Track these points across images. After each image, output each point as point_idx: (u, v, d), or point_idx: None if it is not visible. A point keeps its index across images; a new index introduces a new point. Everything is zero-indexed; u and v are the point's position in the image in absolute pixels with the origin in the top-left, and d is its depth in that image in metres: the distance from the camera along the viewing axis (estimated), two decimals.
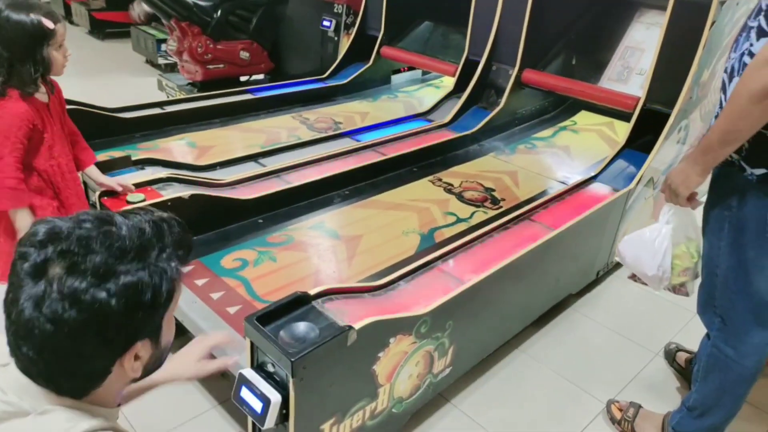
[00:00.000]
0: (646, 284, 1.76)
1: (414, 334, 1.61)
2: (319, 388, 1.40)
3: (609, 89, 2.99)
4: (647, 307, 2.55)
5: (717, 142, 1.34)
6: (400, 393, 1.69)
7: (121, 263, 0.75)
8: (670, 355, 2.22)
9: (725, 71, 1.39)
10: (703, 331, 1.77)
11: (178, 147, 2.82)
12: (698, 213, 1.64)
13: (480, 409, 1.96)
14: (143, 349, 0.82)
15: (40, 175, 1.76)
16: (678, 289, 1.68)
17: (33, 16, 1.62)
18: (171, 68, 5.16)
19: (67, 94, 1.93)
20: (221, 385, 1.92)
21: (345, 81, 3.80)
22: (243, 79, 4.57)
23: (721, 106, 1.42)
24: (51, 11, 1.68)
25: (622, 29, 3.33)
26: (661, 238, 1.62)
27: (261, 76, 4.69)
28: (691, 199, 1.52)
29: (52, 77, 1.79)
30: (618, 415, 1.92)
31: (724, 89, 1.40)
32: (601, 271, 2.63)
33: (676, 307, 2.53)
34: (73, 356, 0.76)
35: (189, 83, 4.49)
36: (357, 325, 1.41)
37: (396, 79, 4.11)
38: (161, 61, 5.29)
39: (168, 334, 0.87)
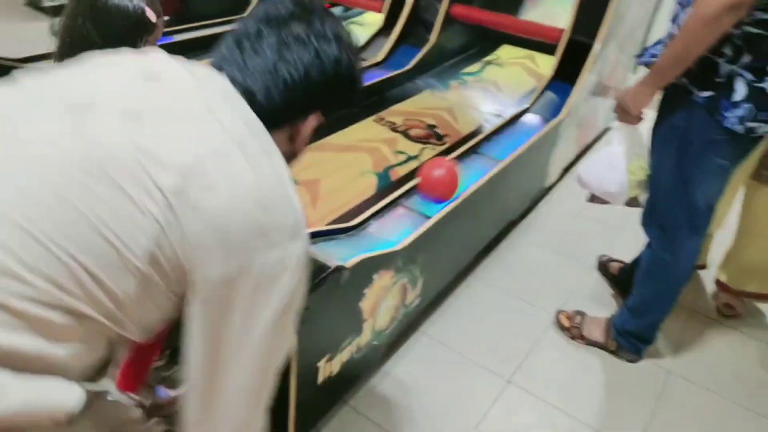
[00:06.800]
0: (606, 203, 1.91)
1: (394, 269, 1.68)
2: (316, 327, 1.45)
3: (537, 23, 3.11)
4: (577, 227, 2.78)
5: (669, 64, 1.47)
6: (380, 326, 1.77)
7: (342, 36, 0.94)
8: (603, 266, 2.46)
9: (677, 2, 1.52)
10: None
11: None
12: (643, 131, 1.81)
13: (445, 333, 2.10)
14: (310, 125, 0.96)
15: None
16: (632, 202, 1.86)
17: (137, 3, 1.35)
18: (59, 11, 4.63)
19: None
20: None
21: None
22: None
23: (669, 36, 1.55)
24: (153, 0, 1.40)
25: None
26: (618, 158, 1.77)
27: (165, 18, 4.35)
28: (640, 117, 1.68)
29: None
30: (566, 323, 2.14)
31: (674, 19, 1.53)
32: (535, 197, 2.82)
33: (601, 224, 2.79)
34: (295, 85, 0.90)
35: None
36: (348, 264, 1.45)
37: None
38: (48, 3, 4.74)
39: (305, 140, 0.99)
